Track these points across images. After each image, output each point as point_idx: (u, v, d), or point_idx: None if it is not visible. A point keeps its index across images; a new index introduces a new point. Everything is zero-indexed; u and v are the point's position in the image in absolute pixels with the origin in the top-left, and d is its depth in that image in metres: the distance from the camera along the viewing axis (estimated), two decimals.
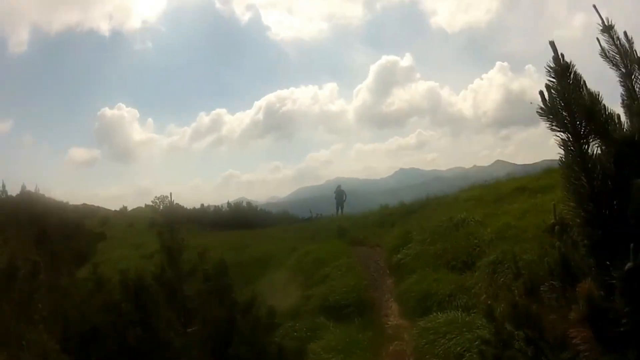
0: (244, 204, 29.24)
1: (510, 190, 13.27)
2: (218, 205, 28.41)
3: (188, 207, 29.18)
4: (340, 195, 21.90)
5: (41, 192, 26.92)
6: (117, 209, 36.22)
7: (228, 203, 29.17)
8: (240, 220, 24.52)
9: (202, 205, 29.73)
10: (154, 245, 18.42)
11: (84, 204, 35.74)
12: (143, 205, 34.18)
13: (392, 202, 17.82)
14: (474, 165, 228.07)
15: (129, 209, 35.28)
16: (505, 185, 14.19)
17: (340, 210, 21.66)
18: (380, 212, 16.81)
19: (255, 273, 12.60)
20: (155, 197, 35.19)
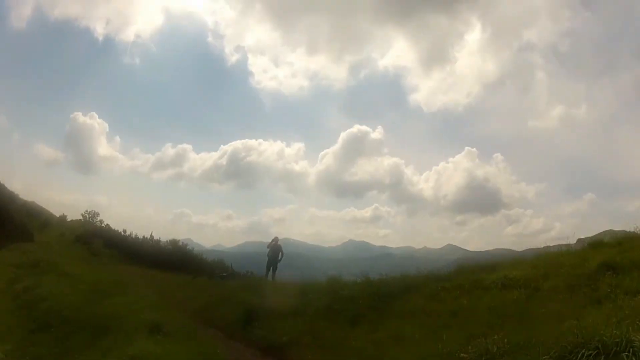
0: (166, 242, 25.77)
1: (589, 270, 6.64)
2: (145, 237, 25.95)
3: (117, 230, 28.33)
4: (275, 252, 15.96)
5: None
6: (59, 214, 35.86)
7: (151, 237, 26.44)
8: (160, 258, 21.90)
9: (124, 231, 27.85)
10: (36, 257, 15.13)
11: (33, 202, 35.75)
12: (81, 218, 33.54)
13: (338, 272, 10.81)
14: (425, 247, 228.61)
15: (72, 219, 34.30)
16: (567, 259, 7.55)
17: (272, 273, 15.75)
18: (328, 288, 9.37)
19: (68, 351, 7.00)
20: (86, 211, 34.70)
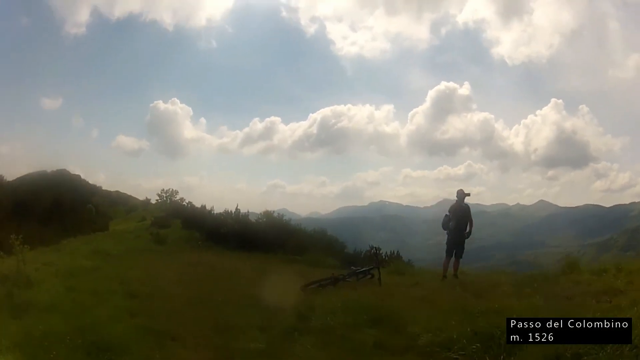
0: (275, 214, 20.41)
1: None
2: (228, 210, 20.78)
3: (198, 206, 24.28)
4: (461, 220, 9.92)
5: (77, 172, 30.60)
6: (143, 199, 34.73)
7: (237, 210, 19.89)
8: (247, 235, 17.60)
9: (204, 207, 23.01)
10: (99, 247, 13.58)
11: (117, 191, 37.36)
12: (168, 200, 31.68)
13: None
14: (517, 203, 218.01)
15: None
16: None
17: (454, 260, 9.90)
18: None
19: None
20: (162, 190, 31.67)
